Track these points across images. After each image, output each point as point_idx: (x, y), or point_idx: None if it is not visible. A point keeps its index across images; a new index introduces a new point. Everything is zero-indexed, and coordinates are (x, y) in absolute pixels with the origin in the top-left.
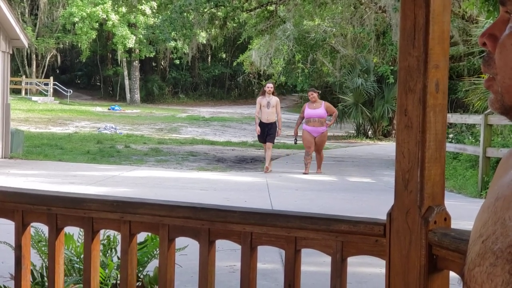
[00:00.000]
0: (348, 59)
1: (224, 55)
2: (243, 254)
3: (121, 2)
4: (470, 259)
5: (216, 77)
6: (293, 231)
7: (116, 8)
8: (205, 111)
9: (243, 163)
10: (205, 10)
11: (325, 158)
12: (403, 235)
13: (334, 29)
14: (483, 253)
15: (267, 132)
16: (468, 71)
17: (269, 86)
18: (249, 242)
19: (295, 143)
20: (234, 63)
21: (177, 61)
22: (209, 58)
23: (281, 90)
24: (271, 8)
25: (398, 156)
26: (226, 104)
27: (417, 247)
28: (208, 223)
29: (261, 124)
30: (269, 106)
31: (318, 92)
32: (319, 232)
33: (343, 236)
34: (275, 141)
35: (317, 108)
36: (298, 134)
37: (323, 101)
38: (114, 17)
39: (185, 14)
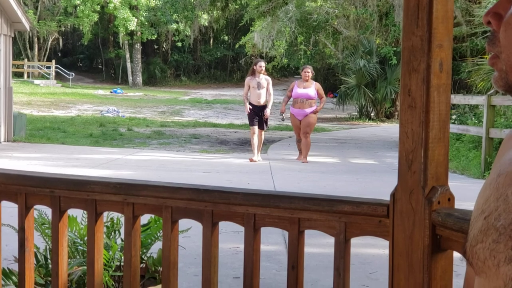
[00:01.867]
0: (350, 41)
1: (226, 38)
2: (246, 235)
3: None
4: (472, 236)
5: (218, 60)
6: (296, 212)
7: None
8: (208, 93)
9: (245, 145)
10: None
11: (328, 139)
12: (406, 215)
13: (337, 10)
14: (486, 230)
15: (259, 116)
16: (471, 51)
17: (261, 65)
18: (252, 224)
19: (283, 119)
20: (236, 45)
21: (179, 44)
22: (211, 40)
23: (284, 72)
24: None
25: (402, 137)
26: (229, 86)
27: (421, 228)
28: (211, 204)
29: (253, 107)
30: (259, 86)
31: (313, 73)
32: (322, 213)
33: (346, 217)
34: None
35: (308, 88)
36: (286, 116)
37: (314, 82)
38: (115, 0)
39: None
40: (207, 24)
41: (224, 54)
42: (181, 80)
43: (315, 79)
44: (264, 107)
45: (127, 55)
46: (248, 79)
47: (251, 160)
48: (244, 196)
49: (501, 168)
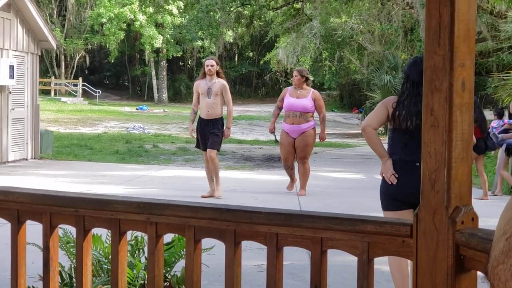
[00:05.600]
0: (375, 56)
1: (251, 54)
2: (269, 255)
3: (148, 2)
4: (494, 257)
5: (243, 76)
6: (319, 231)
7: (143, 9)
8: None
9: (271, 161)
10: (232, 9)
11: (353, 155)
12: (430, 235)
13: (361, 26)
14: (507, 251)
15: (209, 133)
16: (497, 66)
17: (209, 64)
18: (275, 243)
19: (276, 141)
20: (261, 62)
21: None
22: (236, 56)
23: None
24: (298, 6)
25: (425, 156)
26: (254, 102)
27: (445, 248)
28: (234, 224)
29: (201, 121)
30: (210, 93)
31: (305, 77)
32: (345, 233)
33: (369, 236)
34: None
35: (302, 98)
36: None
37: (312, 89)
38: (141, 18)
39: (211, 13)
40: (232, 40)
41: (249, 70)
42: None
43: (340, 95)
44: (216, 121)
45: (153, 72)
46: (197, 83)
47: (203, 196)
48: (266, 215)
49: None
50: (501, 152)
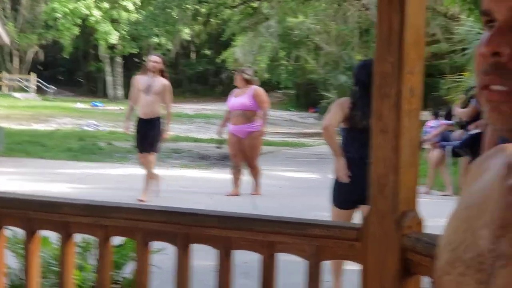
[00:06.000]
0: (331, 56)
1: (208, 52)
2: (220, 258)
3: None
4: (440, 267)
5: (199, 74)
6: (269, 235)
7: (98, 4)
8: (189, 107)
9: (226, 160)
10: (188, 6)
11: (308, 155)
12: (378, 239)
13: (318, 26)
14: (453, 262)
15: (146, 134)
16: (450, 68)
17: (154, 60)
18: (226, 247)
19: (219, 145)
20: (218, 60)
21: None
22: (193, 54)
23: (265, 87)
24: (255, 4)
25: (374, 161)
26: (210, 101)
27: (392, 252)
28: (185, 227)
29: (138, 121)
30: (149, 91)
31: (245, 77)
32: (294, 237)
33: (317, 240)
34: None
35: (242, 95)
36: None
37: (254, 86)
38: (96, 13)
39: (168, 10)
40: (189, 38)
41: (206, 68)
42: None
43: (296, 95)
44: (154, 121)
45: (108, 69)
46: (136, 78)
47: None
48: (217, 219)
49: (469, 199)
50: (445, 152)
